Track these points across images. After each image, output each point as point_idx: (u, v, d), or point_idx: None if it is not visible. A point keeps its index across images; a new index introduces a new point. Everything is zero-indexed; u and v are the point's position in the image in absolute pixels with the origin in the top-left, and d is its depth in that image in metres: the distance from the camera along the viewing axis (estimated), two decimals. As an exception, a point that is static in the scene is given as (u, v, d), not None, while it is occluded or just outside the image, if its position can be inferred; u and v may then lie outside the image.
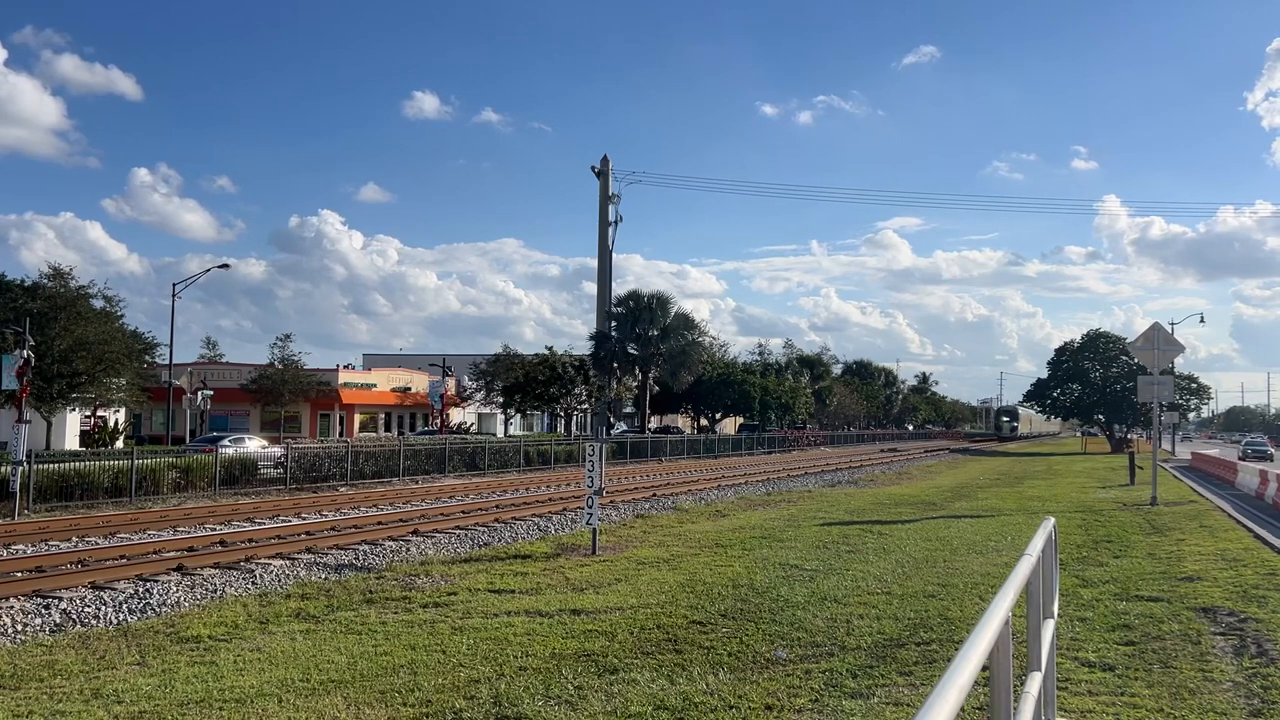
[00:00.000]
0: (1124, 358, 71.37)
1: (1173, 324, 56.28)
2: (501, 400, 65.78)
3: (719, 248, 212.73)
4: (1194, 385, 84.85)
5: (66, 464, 24.28)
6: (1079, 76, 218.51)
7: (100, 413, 46.70)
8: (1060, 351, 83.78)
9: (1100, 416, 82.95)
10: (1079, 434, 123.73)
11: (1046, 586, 5.62)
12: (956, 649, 2.75)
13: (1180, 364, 62.56)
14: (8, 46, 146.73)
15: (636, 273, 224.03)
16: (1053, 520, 6.40)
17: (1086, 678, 7.47)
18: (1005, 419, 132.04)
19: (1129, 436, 76.83)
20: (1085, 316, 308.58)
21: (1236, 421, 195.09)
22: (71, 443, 45.63)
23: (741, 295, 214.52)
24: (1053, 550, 6.59)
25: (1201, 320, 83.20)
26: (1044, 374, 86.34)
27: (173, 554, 14.39)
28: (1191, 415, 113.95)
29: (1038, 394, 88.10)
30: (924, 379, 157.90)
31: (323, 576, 13.21)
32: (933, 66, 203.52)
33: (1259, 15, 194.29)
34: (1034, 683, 4.24)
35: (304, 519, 20.07)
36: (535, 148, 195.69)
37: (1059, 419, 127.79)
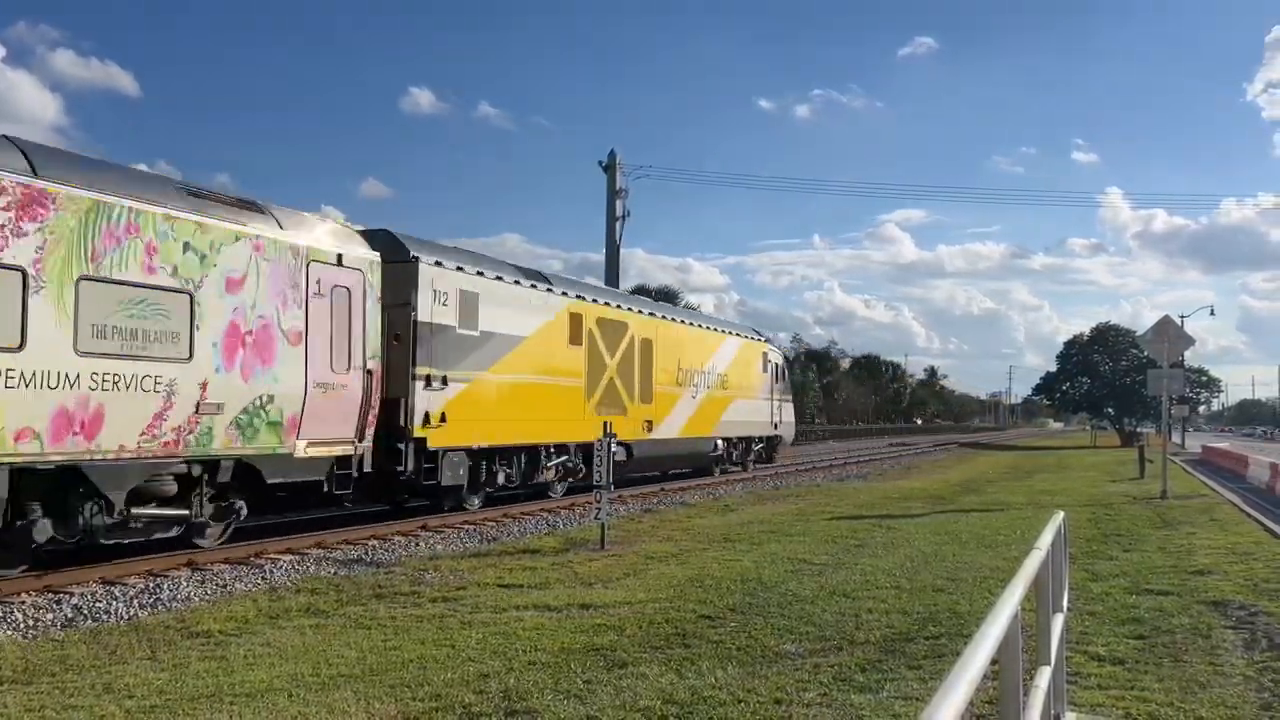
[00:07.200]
0: (1134, 351, 71.09)
1: (1182, 317, 55.90)
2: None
3: (721, 242, 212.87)
4: (1204, 378, 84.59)
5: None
6: (1076, 67, 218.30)
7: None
8: (1069, 345, 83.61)
9: (1110, 410, 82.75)
10: (1088, 428, 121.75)
11: (1056, 580, 5.61)
12: (966, 643, 2.74)
13: (1189, 357, 62.32)
14: (3, 42, 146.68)
15: (639, 267, 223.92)
16: (1062, 514, 6.39)
17: (1096, 671, 7.46)
18: None
19: (1139, 430, 76.60)
20: (1093, 310, 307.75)
21: (1247, 415, 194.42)
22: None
23: (745, 290, 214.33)
24: (1063, 544, 6.58)
25: (1212, 313, 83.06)
26: (1053, 367, 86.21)
27: (183, 549, 14.42)
28: (1202, 409, 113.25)
29: (1047, 387, 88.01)
30: (932, 373, 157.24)
31: (332, 572, 13.25)
32: (930, 58, 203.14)
33: (1257, 5, 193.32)
34: (1044, 676, 4.24)
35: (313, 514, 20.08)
36: (534, 142, 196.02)
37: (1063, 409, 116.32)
